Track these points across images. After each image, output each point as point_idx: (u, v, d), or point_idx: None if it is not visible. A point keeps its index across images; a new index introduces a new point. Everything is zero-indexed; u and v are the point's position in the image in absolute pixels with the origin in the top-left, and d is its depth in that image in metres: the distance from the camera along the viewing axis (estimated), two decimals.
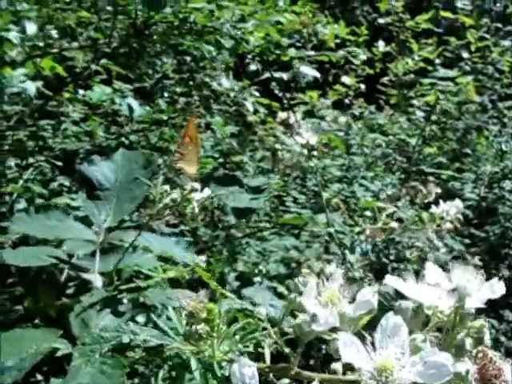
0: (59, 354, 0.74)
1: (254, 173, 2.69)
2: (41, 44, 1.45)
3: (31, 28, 1.57)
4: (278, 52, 1.62)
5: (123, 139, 2.49)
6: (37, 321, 1.24)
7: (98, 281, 1.06)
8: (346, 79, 2.69)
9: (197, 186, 0.84)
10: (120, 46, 1.52)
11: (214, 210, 1.69)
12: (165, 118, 2.75)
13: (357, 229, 1.26)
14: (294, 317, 0.68)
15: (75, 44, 1.48)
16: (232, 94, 2.70)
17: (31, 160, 2.10)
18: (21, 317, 1.33)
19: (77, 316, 0.82)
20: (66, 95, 2.49)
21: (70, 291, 1.29)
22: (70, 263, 1.04)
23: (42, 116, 2.33)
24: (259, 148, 2.91)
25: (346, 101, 2.96)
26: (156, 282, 1.02)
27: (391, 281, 0.53)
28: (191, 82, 2.92)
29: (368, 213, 1.27)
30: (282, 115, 2.24)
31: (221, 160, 2.80)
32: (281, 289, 1.74)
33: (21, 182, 1.97)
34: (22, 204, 1.75)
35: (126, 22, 1.50)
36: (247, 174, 2.69)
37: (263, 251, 2.05)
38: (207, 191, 0.86)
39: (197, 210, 0.84)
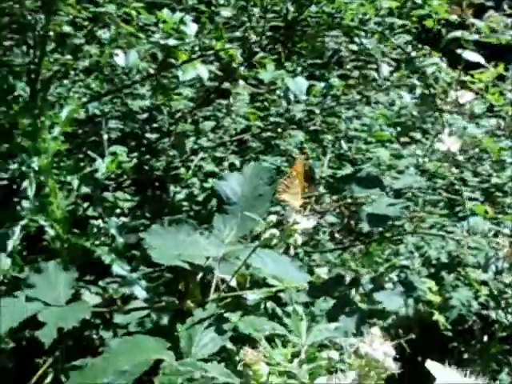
0: (162, 365, 0.83)
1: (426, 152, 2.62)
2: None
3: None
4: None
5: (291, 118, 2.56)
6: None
7: (232, 281, 1.14)
8: None
9: (299, 219, 0.87)
10: (271, 43, 1.56)
11: (351, 214, 1.69)
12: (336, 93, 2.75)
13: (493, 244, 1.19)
14: None
15: (228, 45, 1.55)
16: None
17: (204, 142, 2.26)
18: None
19: (186, 330, 0.91)
20: (242, 73, 2.60)
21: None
22: (205, 267, 1.13)
23: (218, 96, 2.47)
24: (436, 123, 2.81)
25: None
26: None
27: (431, 366, 0.53)
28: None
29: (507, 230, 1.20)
30: (453, 94, 2.13)
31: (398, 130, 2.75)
32: (429, 284, 1.70)
33: (194, 162, 2.15)
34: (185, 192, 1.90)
35: (275, 20, 1.54)
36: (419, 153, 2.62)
37: (422, 238, 2.00)
38: (312, 221, 0.89)
39: (299, 242, 0.88)
